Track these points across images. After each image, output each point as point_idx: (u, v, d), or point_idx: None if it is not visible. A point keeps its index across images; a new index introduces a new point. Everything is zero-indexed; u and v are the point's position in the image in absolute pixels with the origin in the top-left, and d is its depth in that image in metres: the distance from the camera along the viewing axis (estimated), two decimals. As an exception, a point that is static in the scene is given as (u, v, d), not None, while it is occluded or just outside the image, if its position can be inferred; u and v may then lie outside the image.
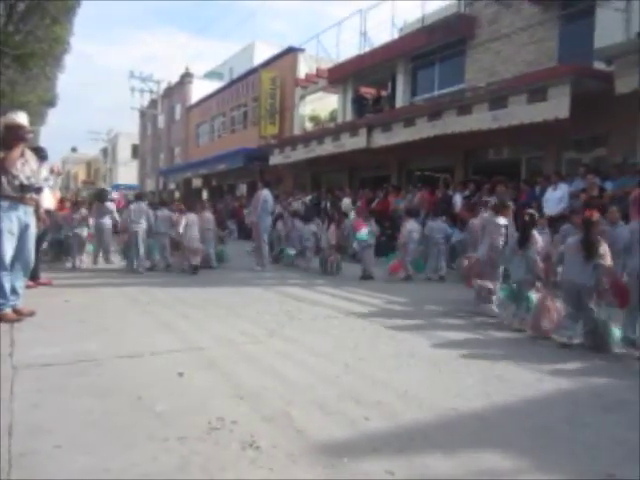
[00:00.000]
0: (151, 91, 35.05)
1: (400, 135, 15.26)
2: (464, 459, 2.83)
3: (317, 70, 21.59)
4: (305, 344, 5.21)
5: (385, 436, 3.08)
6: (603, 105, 11.27)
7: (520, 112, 11.92)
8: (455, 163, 15.90)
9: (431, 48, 16.50)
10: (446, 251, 10.84)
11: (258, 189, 11.70)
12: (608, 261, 5.29)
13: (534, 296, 5.97)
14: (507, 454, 2.90)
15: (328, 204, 17.10)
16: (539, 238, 6.26)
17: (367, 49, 19.21)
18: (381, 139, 15.99)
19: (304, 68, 23.09)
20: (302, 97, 23.69)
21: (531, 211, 6.66)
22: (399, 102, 17.95)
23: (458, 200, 12.98)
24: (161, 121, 38.46)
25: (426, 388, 3.95)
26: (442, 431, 3.19)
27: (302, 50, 23.56)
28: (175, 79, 37.97)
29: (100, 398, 3.53)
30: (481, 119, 12.73)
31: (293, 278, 10.41)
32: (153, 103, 36.85)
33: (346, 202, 16.38)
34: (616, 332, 5.18)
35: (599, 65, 11.32)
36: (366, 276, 10.32)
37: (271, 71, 24.88)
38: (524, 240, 6.17)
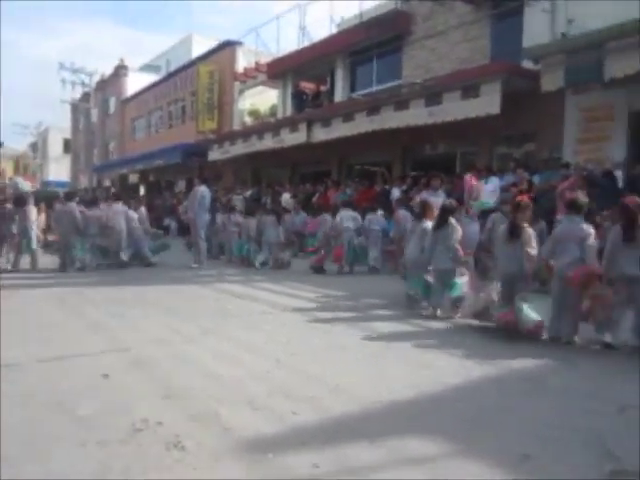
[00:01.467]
0: (83, 83, 33.63)
1: (339, 130, 15.33)
2: (390, 448, 2.86)
3: (256, 64, 21.36)
4: (239, 341, 5.14)
5: (313, 430, 3.07)
6: (532, 102, 11.71)
7: (454, 108, 12.22)
8: (393, 158, 16.14)
9: (369, 44, 16.63)
10: (380, 243, 10.93)
11: (195, 185, 11.46)
12: (532, 246, 5.48)
13: (459, 282, 6.13)
14: (433, 441, 2.95)
15: (268, 199, 16.98)
16: (459, 227, 6.42)
17: (306, 44, 19.18)
18: (321, 134, 16.02)
19: (243, 62, 22.79)
20: (241, 91, 23.39)
21: (450, 200, 6.82)
22: (338, 97, 18.03)
23: (396, 194, 13.17)
24: (94, 115, 36.97)
25: (357, 380, 3.97)
26: (370, 422, 3.21)
27: (241, 44, 23.24)
28: (109, 71, 36.63)
29: (19, 405, 3.35)
30: (417, 114, 12.96)
31: (232, 275, 10.27)
32: (86, 96, 35.39)
33: (286, 197, 16.32)
34: (531, 315, 5.28)
35: (528, 64, 11.75)
36: (317, 269, 10.45)
37: (209, 65, 24.42)
38: (441, 225, 6.32)
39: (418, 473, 2.60)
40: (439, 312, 6.36)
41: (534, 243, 5.52)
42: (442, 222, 6.44)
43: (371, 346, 5.03)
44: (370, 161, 17.22)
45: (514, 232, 5.49)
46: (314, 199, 15.45)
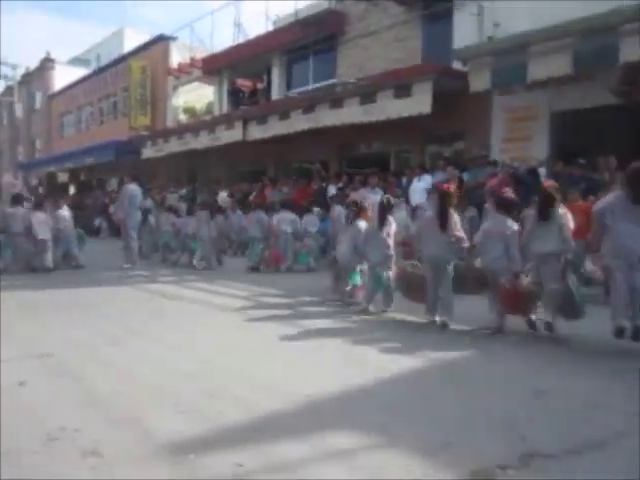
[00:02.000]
0: (6, 77, 31.87)
1: (276, 128, 15.28)
2: (316, 442, 2.87)
3: (191, 60, 20.94)
4: (167, 342, 5.01)
5: (238, 429, 3.04)
6: (461, 102, 12.06)
7: (387, 107, 12.45)
8: (329, 156, 16.26)
9: (305, 42, 16.68)
10: (317, 244, 10.99)
11: (125, 183, 11.10)
12: (458, 229, 5.67)
13: (386, 275, 6.25)
14: (357, 434, 2.98)
15: (204, 198, 16.70)
16: (393, 222, 6.54)
17: (242, 40, 18.99)
18: (257, 132, 15.91)
19: (177, 57, 22.30)
20: (175, 87, 22.88)
21: (387, 196, 6.96)
22: (275, 95, 17.98)
23: (332, 191, 13.28)
24: (19, 110, 35.10)
25: (286, 377, 3.97)
26: (297, 418, 3.21)
27: (174, 38, 22.72)
28: (34, 64, 34.87)
29: None
30: (352, 113, 13.11)
31: (165, 275, 10.04)
32: (9, 90, 33.55)
33: (222, 196, 16.11)
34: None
35: (457, 65, 12.11)
36: (253, 268, 10.44)
37: (141, 59, 23.73)
38: (381, 223, 6.44)
39: (341, 466, 2.63)
40: (371, 307, 6.45)
41: (459, 226, 5.74)
42: (382, 219, 6.52)
43: (302, 342, 5.04)
44: (307, 159, 17.27)
45: (443, 220, 5.63)
46: (251, 197, 15.33)
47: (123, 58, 25.53)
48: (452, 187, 5.96)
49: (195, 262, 10.80)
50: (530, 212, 5.68)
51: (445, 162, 11.73)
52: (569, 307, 5.05)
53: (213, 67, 19.73)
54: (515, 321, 5.42)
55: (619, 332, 4.48)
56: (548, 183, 5.64)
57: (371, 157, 15.29)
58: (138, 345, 4.90)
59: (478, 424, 3.09)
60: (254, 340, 5.13)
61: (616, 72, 10.14)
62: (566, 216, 5.19)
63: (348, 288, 6.88)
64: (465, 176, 10.99)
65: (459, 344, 4.98)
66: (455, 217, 5.77)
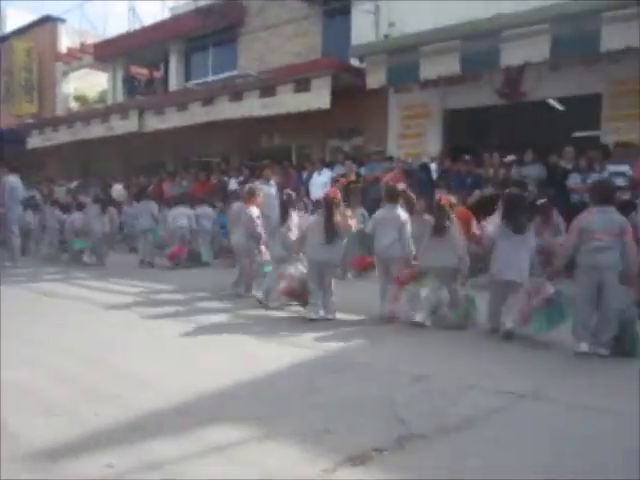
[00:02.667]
0: None
1: (174, 120, 14.80)
2: (196, 438, 2.80)
3: (81, 45, 19.70)
4: (50, 342, 4.69)
5: (114, 430, 2.89)
6: (360, 98, 12.32)
7: (287, 101, 12.47)
8: (230, 149, 16.01)
9: (204, 32, 16.24)
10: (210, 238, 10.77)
11: (3, 175, 10.23)
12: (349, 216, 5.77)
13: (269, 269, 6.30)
14: (240, 427, 2.94)
15: (98, 191, 15.83)
16: (295, 217, 6.56)
17: (138, 27, 18.16)
18: (154, 123, 15.32)
19: (66, 41, 20.89)
20: (65, 73, 21.42)
21: (289, 191, 6.96)
22: (173, 85, 17.37)
23: (233, 185, 13.08)
24: None
25: (171, 375, 3.85)
26: (178, 415, 3.12)
27: (63, 21, 21.26)
28: None
29: None
30: (252, 106, 13.00)
31: (51, 273, 9.41)
32: None
33: (117, 188, 15.38)
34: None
35: (356, 61, 12.36)
36: (145, 263, 10.02)
37: (26, 41, 21.96)
38: (283, 218, 6.43)
39: (218, 460, 2.58)
40: (268, 300, 6.42)
41: (349, 213, 5.86)
42: (284, 214, 6.48)
43: (194, 338, 4.93)
44: (208, 152, 16.91)
45: (329, 227, 5.67)
46: (148, 191, 14.73)
47: (5, 38, 23.50)
48: (337, 194, 6.00)
49: (85, 258, 10.22)
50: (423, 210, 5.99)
51: (344, 156, 11.94)
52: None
53: (106, 53, 18.68)
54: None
55: (507, 335, 4.82)
56: (445, 198, 5.83)
57: (273, 151, 15.21)
58: (13, 347, 4.52)
59: (359, 410, 3.16)
60: (142, 337, 4.93)
61: (499, 74, 10.86)
62: (458, 231, 5.51)
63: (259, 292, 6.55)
64: (363, 171, 11.24)
65: (348, 335, 5.08)
66: (342, 209, 5.83)
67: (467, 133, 12.15)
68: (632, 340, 4.34)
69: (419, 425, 2.94)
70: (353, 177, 10.87)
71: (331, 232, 5.64)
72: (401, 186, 6.96)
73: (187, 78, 17.31)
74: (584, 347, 4.36)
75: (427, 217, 6.21)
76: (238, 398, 3.40)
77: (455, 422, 2.99)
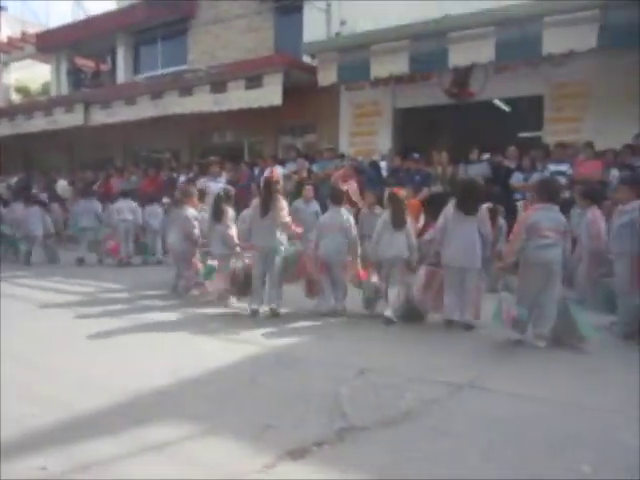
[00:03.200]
0: None
1: (121, 114, 14.41)
2: (133, 437, 2.75)
3: (23, 34, 18.88)
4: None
5: (50, 430, 2.81)
6: (312, 96, 12.32)
7: (239, 97, 12.35)
8: (181, 145, 15.73)
9: (153, 24, 15.88)
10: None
11: None
12: (285, 216, 5.72)
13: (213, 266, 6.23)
14: (180, 424, 2.90)
15: (41, 187, 15.26)
16: (231, 212, 6.49)
17: (83, 17, 17.58)
18: (100, 117, 14.87)
19: (7, 30, 20.00)
20: (5, 64, 20.51)
21: (227, 188, 6.87)
22: (121, 78, 16.86)
23: (184, 182, 12.87)
24: None
25: (112, 373, 3.76)
26: (116, 414, 3.05)
27: (3, 9, 20.36)
28: None
29: None
30: (202, 102, 12.81)
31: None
32: None
33: (62, 185, 14.86)
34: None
35: (307, 59, 12.35)
36: (80, 260, 9.83)
37: (-37, 29, 20.95)
38: (218, 215, 6.35)
39: (157, 458, 2.54)
40: (215, 298, 6.34)
41: (286, 212, 5.81)
42: (218, 211, 6.39)
43: (136, 337, 4.82)
44: (157, 147, 16.56)
45: (266, 208, 5.66)
46: (95, 187, 14.30)
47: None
48: (276, 174, 5.99)
49: (32, 258, 9.87)
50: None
51: (296, 153, 11.93)
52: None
53: (49, 44, 17.97)
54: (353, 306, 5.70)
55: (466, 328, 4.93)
56: (397, 190, 5.89)
57: (225, 147, 15.08)
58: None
59: (302, 405, 3.17)
60: (83, 337, 4.77)
61: (448, 74, 11.09)
62: (411, 223, 5.59)
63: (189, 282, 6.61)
64: (314, 168, 11.25)
65: (294, 330, 5.09)
66: (283, 204, 5.80)
67: (417, 132, 12.34)
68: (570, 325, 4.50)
69: (361, 418, 2.97)
70: (305, 174, 10.89)
71: (267, 213, 5.59)
72: (346, 186, 7.04)
73: (135, 71, 16.88)
74: (519, 336, 4.57)
75: (378, 210, 6.29)
76: (179, 396, 3.35)
77: (396, 414, 3.03)
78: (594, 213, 5.75)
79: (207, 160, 11.24)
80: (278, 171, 11.16)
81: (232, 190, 6.84)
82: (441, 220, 5.26)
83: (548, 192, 4.67)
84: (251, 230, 5.79)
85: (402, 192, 5.83)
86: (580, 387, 3.49)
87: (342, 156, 11.40)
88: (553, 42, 8.91)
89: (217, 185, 8.33)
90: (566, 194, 7.80)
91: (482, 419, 2.97)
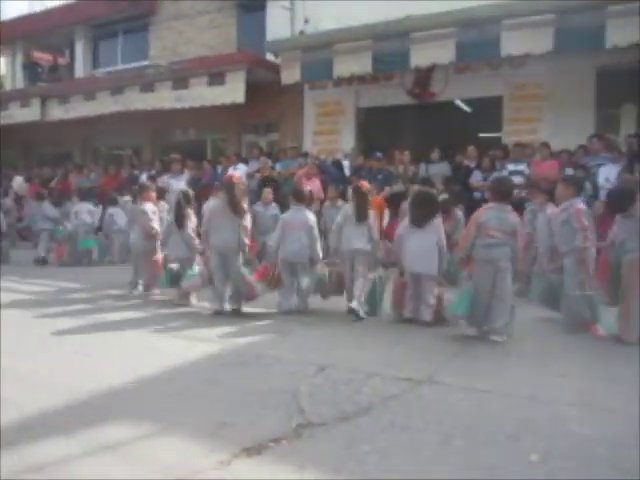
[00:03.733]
0: None
1: (80, 109, 14.10)
2: (87, 438, 2.69)
3: (-25, 26, 18.20)
4: None
5: (2, 431, 2.71)
6: (275, 94, 12.29)
7: (201, 94, 12.24)
8: (143, 142, 15.47)
9: (113, 18, 15.55)
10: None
11: None
12: (247, 220, 5.70)
13: (194, 273, 6.10)
14: (135, 424, 2.86)
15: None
16: (193, 216, 6.40)
17: (39, 9, 17.07)
18: (58, 112, 14.51)
19: (-43, 21, 19.23)
20: (-43, 56, 19.75)
21: (185, 190, 6.77)
22: (79, 73, 16.46)
23: (144, 180, 12.64)
24: None
25: (69, 373, 3.69)
26: (71, 414, 2.98)
27: (-46, -1, 19.63)
28: None
29: None
30: (164, 98, 12.65)
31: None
32: None
33: (18, 181, 14.42)
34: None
35: (271, 57, 12.30)
36: (39, 260, 9.63)
37: None
38: (180, 220, 6.24)
39: (111, 459, 2.49)
40: (176, 299, 6.26)
41: (249, 217, 5.80)
42: (180, 214, 6.30)
43: (94, 336, 4.73)
44: (118, 144, 16.24)
45: (235, 209, 5.63)
46: (53, 184, 13.94)
47: None
48: (237, 177, 6.00)
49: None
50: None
51: (259, 152, 11.88)
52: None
53: (4, 36, 17.34)
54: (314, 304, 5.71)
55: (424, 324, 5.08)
56: (362, 183, 5.92)
57: (187, 144, 14.91)
58: None
59: (261, 402, 3.16)
60: (39, 337, 4.66)
61: (410, 74, 11.22)
62: (373, 217, 5.66)
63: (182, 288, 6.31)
64: (278, 166, 11.22)
65: (256, 328, 5.08)
66: (244, 207, 5.78)
67: (380, 131, 12.45)
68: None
69: (319, 413, 2.98)
70: (268, 172, 10.84)
71: (236, 213, 5.57)
72: (309, 185, 7.04)
73: (95, 66, 16.50)
74: (473, 331, 4.71)
75: (340, 203, 6.31)
76: (136, 395, 3.30)
77: (354, 409, 3.05)
78: (553, 210, 5.90)
79: (169, 157, 11.03)
80: (240, 172, 11.12)
81: (191, 192, 6.72)
82: (398, 230, 5.47)
83: (501, 191, 4.79)
84: (209, 231, 5.74)
85: (366, 185, 5.89)
86: (533, 380, 3.58)
87: (305, 155, 11.40)
88: (511, 44, 9.11)
89: (179, 183, 8.22)
90: (523, 193, 8.02)
91: (439, 413, 3.01)
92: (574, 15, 8.67)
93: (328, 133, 12.46)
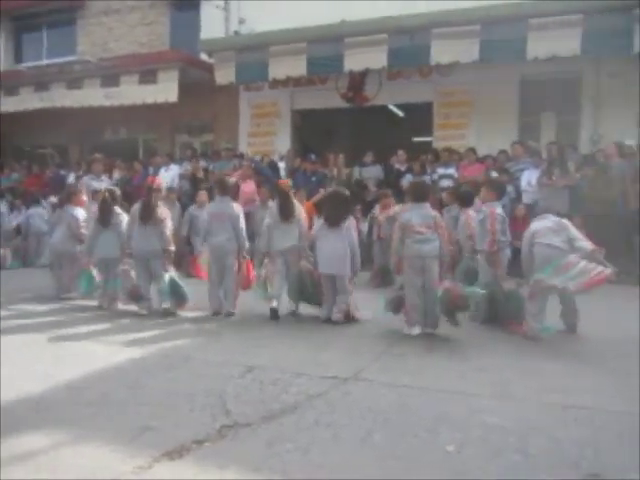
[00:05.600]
0: None
1: (1, 104, 13.35)
2: (4, 447, 2.56)
3: None
4: None
5: None
6: (210, 94, 12.14)
7: (132, 92, 11.93)
8: (71, 141, 14.86)
9: (38, 10, 14.87)
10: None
11: None
12: (166, 226, 5.70)
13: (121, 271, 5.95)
14: (52, 432, 2.75)
15: None
16: (123, 215, 6.24)
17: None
18: (-24, 107, 13.67)
19: None
20: None
21: (111, 188, 6.60)
22: (1, 66, 15.61)
23: (72, 180, 12.14)
24: None
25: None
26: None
27: None
28: None
29: None
30: (92, 95, 12.24)
31: None
32: None
33: None
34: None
35: (205, 56, 12.13)
36: None
37: None
38: (106, 218, 6.06)
39: (24, 469, 2.38)
40: (104, 303, 6.06)
41: (168, 223, 5.76)
42: (105, 212, 6.10)
43: (13, 342, 4.48)
44: (44, 142, 15.49)
45: (146, 213, 5.58)
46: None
47: None
48: (157, 182, 5.98)
49: None
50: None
51: (193, 153, 11.70)
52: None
53: None
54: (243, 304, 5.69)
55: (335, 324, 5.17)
56: (283, 181, 5.98)
57: (118, 144, 14.43)
58: None
59: (186, 405, 3.12)
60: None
61: (345, 78, 11.39)
62: (301, 212, 5.69)
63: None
64: (212, 167, 11.09)
65: (184, 331, 5.00)
66: (164, 212, 5.77)
67: (316, 133, 12.56)
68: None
69: (245, 414, 2.97)
70: (200, 174, 10.70)
71: (148, 219, 5.53)
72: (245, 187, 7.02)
73: (17, 60, 15.68)
74: (416, 330, 4.80)
75: (271, 204, 6.33)
76: (54, 403, 3.17)
77: (280, 408, 3.07)
78: (467, 214, 6.15)
79: (91, 157, 10.62)
80: (172, 173, 10.90)
81: (117, 190, 6.54)
82: (312, 231, 5.57)
83: (418, 194, 5.01)
84: (131, 236, 5.70)
85: (287, 182, 6.00)
86: (453, 375, 3.72)
87: (241, 156, 11.33)
88: (440, 52, 9.44)
89: (100, 185, 7.94)
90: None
91: (362, 409, 3.08)
92: (498, 27, 9.10)
93: (264, 135, 12.45)
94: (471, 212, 6.05)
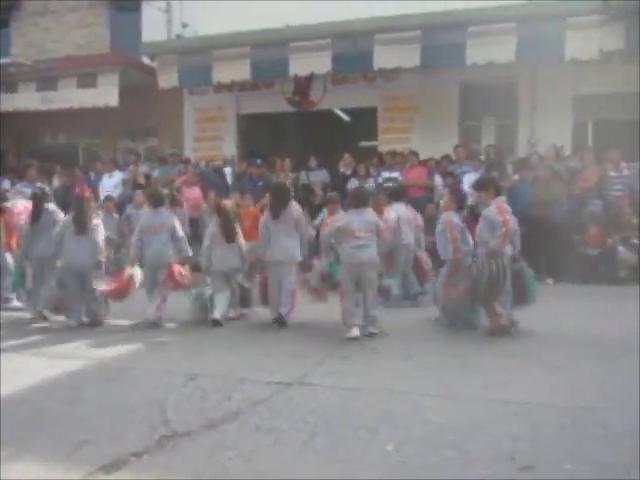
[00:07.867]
0: None
1: None
2: None
3: None
4: None
5: None
6: (153, 98, 11.84)
7: (70, 96, 11.53)
8: (7, 146, 14.21)
9: (-32, 10, 14.17)
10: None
11: None
12: (99, 235, 5.58)
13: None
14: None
15: None
16: (60, 214, 6.01)
17: None
18: None
19: None
20: None
21: (42, 187, 6.42)
22: None
23: (6, 186, 11.62)
24: None
25: None
26: None
27: None
28: None
29: None
30: (28, 99, 11.75)
31: None
32: None
33: None
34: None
35: (147, 59, 11.86)
36: None
37: None
38: (82, 225, 5.72)
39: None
40: (45, 311, 5.82)
41: (101, 232, 5.64)
42: (37, 210, 5.87)
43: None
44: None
45: (80, 224, 5.47)
46: None
47: None
48: (87, 192, 5.86)
49: None
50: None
51: (136, 158, 11.43)
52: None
53: None
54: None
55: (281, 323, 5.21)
56: (227, 203, 5.97)
57: (57, 149, 13.93)
58: None
59: (126, 417, 3.05)
60: None
61: (290, 83, 11.38)
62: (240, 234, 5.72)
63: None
64: (156, 173, 10.85)
65: (123, 341, 4.88)
66: (95, 223, 5.64)
67: (262, 138, 12.50)
68: None
69: (186, 423, 2.93)
70: (142, 180, 10.45)
71: (81, 230, 5.42)
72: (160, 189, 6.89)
73: (-54, 61, 14.90)
74: (355, 332, 4.81)
75: (210, 224, 6.29)
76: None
77: (222, 416, 3.04)
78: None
79: (25, 163, 10.19)
80: (115, 180, 10.60)
81: (48, 189, 6.36)
82: (261, 225, 5.56)
83: (359, 199, 5.11)
84: (63, 246, 5.54)
85: (229, 203, 6.00)
86: (397, 375, 3.78)
87: (186, 161, 11.13)
88: (383, 58, 9.57)
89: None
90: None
91: (305, 414, 3.08)
92: (438, 33, 9.32)
93: (209, 139, 12.29)
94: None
